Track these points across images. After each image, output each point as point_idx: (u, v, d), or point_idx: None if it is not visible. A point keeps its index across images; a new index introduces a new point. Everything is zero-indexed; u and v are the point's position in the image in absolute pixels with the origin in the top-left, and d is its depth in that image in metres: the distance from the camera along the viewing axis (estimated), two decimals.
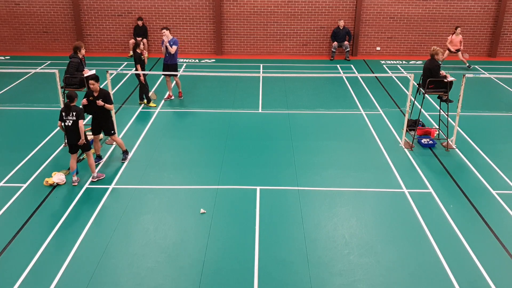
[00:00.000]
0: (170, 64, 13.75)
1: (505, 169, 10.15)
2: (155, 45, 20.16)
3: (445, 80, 10.81)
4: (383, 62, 19.33)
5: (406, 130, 11.48)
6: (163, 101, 14.26)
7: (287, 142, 11.47)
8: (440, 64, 11.09)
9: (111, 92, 10.48)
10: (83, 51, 11.12)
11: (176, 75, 14.03)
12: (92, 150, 9.89)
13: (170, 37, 13.55)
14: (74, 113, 9.11)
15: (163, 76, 13.97)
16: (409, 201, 8.96)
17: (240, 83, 16.14)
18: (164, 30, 13.51)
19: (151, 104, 13.83)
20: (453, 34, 18.28)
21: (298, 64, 18.90)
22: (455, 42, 18.22)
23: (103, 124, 10.07)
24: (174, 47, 13.49)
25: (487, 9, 19.62)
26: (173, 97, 14.42)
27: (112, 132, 10.20)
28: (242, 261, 7.26)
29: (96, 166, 9.96)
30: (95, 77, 9.76)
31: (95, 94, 9.77)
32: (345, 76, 17.02)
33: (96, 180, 9.57)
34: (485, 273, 7.04)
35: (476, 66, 18.62)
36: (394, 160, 10.57)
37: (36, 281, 6.81)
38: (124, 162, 10.31)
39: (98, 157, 10.39)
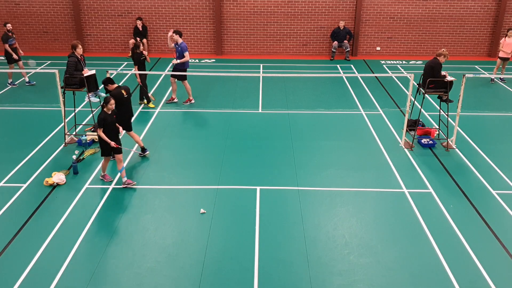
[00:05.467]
0: (176, 69, 13.59)
1: (505, 169, 10.15)
2: (155, 45, 20.17)
3: (445, 80, 10.81)
4: (383, 62, 19.33)
5: (406, 130, 11.48)
6: (162, 102, 14.23)
7: (287, 142, 11.47)
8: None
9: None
10: (79, 50, 11.09)
11: (182, 79, 13.70)
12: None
13: (180, 41, 13.37)
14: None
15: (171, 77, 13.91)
16: (409, 201, 8.96)
17: (240, 83, 16.14)
18: (174, 34, 13.36)
19: (151, 104, 13.82)
20: (505, 37, 15.94)
21: (298, 64, 18.90)
22: (508, 46, 15.83)
23: (130, 119, 10.42)
24: (187, 54, 13.33)
25: (487, 9, 19.63)
26: (176, 100, 14.15)
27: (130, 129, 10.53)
28: (242, 261, 7.26)
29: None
30: (107, 80, 9.85)
31: (124, 93, 9.96)
32: (345, 76, 17.02)
33: (124, 186, 9.29)
34: (485, 273, 7.03)
35: (476, 66, 18.62)
36: (394, 160, 10.57)
37: (36, 281, 6.81)
38: (141, 155, 10.55)
39: (143, 150, 10.61)
